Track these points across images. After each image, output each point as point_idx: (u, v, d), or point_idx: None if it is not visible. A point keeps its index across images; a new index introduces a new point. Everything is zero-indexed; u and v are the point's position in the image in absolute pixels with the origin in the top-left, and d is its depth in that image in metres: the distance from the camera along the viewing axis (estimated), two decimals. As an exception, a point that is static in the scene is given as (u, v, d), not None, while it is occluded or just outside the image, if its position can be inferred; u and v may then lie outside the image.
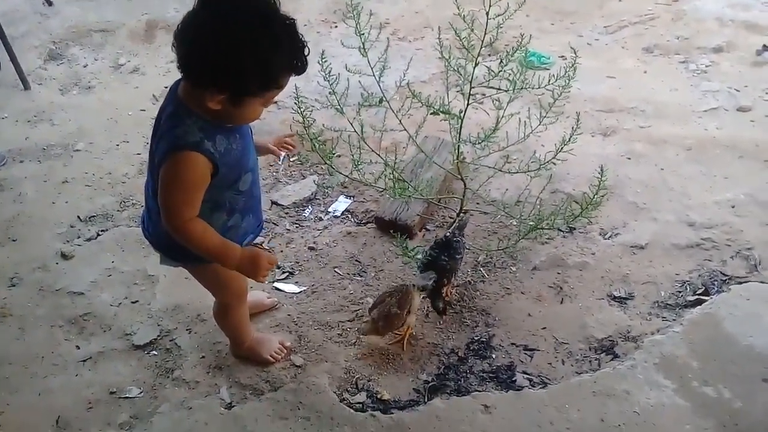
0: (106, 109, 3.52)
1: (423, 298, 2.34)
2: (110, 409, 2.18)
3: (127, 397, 2.21)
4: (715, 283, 2.48)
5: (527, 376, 2.22)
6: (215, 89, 1.60)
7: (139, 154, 3.21)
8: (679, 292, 2.47)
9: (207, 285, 2.11)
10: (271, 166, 3.13)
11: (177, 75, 1.67)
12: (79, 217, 2.90)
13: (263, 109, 1.71)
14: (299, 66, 1.63)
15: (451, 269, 2.34)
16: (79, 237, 2.80)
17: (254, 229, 1.98)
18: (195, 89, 1.64)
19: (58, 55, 3.95)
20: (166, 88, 3.46)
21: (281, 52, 1.58)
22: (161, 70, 3.67)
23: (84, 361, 2.33)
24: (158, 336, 2.40)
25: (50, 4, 4.27)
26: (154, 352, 2.36)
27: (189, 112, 1.67)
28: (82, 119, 3.46)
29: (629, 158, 3.05)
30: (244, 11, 1.55)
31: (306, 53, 1.62)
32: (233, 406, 2.16)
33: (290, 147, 2.20)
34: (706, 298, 2.41)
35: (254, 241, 2.02)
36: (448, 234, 2.40)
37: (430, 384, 2.21)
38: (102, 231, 2.83)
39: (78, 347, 2.38)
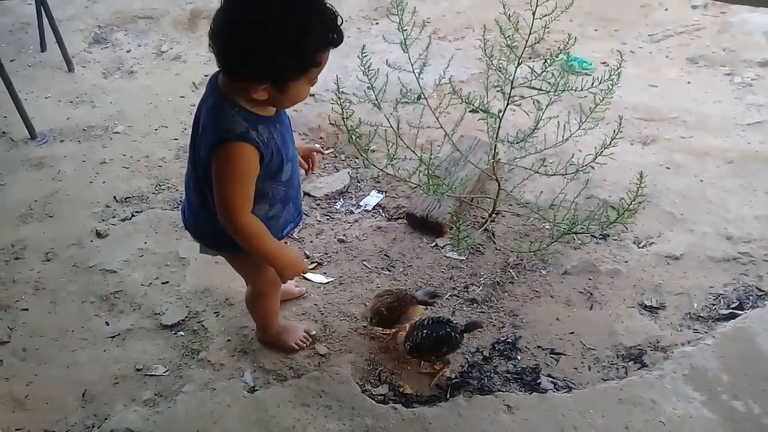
0: (147, 94, 3.57)
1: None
2: (135, 386, 2.20)
3: (152, 375, 2.24)
4: (750, 297, 2.43)
5: (552, 379, 2.20)
6: (256, 80, 1.60)
7: (176, 139, 3.25)
8: (713, 305, 2.42)
9: (243, 272, 2.13)
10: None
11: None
12: (115, 197, 2.94)
13: (310, 87, 1.70)
14: (335, 39, 1.60)
15: (426, 349, 2.14)
16: (114, 217, 2.85)
17: (294, 218, 1.99)
18: (236, 82, 1.65)
19: (102, 39, 4.01)
20: (206, 76, 3.52)
21: (312, 31, 1.56)
22: (202, 59, 3.72)
23: (113, 337, 2.36)
24: (186, 317, 2.42)
25: (98, -11, 4.35)
26: (182, 332, 2.38)
27: (232, 103, 1.67)
28: (122, 103, 3.51)
29: (668, 168, 3.01)
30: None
31: (339, 23, 1.60)
32: (256, 390, 2.17)
33: (313, 167, 2.15)
34: (740, 312, 2.36)
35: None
36: (453, 322, 2.18)
37: (453, 381, 2.19)
38: (137, 212, 2.86)
39: (107, 323, 2.41)
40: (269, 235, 1.82)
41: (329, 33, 1.59)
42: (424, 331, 2.15)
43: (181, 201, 2.88)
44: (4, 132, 3.31)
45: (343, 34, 1.62)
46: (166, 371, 2.25)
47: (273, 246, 1.84)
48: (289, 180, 1.86)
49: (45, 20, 3.69)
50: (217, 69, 1.73)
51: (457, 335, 2.15)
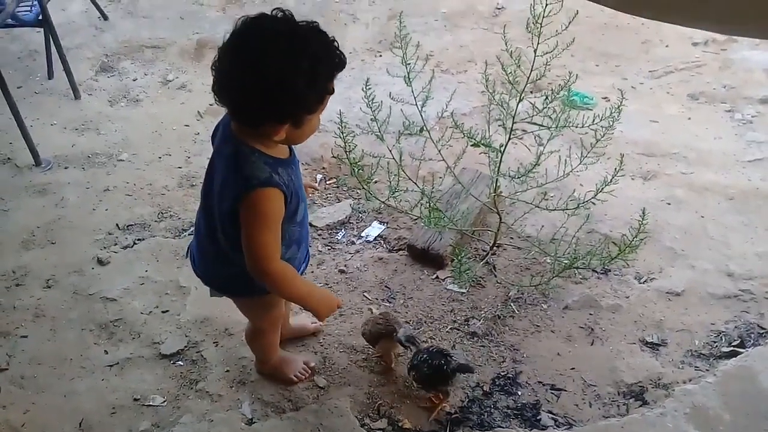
0: (152, 123, 3.60)
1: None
2: (133, 416, 2.19)
3: (150, 405, 2.22)
4: (752, 335, 2.42)
5: (552, 416, 2.18)
6: (276, 123, 1.61)
7: (180, 167, 3.27)
8: (714, 342, 2.41)
9: (248, 313, 2.13)
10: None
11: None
12: (117, 225, 2.95)
13: (320, 116, 1.72)
14: (341, 62, 1.62)
15: (419, 374, 2.15)
16: (115, 244, 2.85)
17: (305, 258, 2.00)
18: (254, 129, 1.65)
19: (109, 67, 4.05)
20: (211, 105, 3.57)
21: (320, 59, 1.58)
22: (208, 88, 3.66)
23: (111, 366, 2.36)
24: (185, 347, 2.41)
25: (105, 18, 4.40)
26: (180, 362, 2.37)
27: (251, 150, 1.67)
28: (127, 130, 3.54)
29: (669, 204, 3.02)
30: (273, 41, 1.54)
31: (337, 45, 1.62)
32: (254, 422, 2.15)
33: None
34: (741, 350, 2.35)
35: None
36: (450, 357, 2.14)
37: (453, 416, 2.18)
38: (138, 240, 2.87)
39: (106, 352, 2.41)
40: (299, 277, 1.83)
41: (335, 57, 1.61)
42: (424, 356, 2.16)
43: (183, 230, 2.90)
44: (9, 158, 3.33)
45: (345, 58, 1.64)
46: (164, 401, 2.24)
47: (304, 287, 1.85)
48: (302, 220, 1.87)
49: (53, 48, 3.73)
50: (224, 117, 1.76)
51: (449, 370, 2.12)
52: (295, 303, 1.89)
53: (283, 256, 1.82)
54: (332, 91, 1.64)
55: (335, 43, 1.61)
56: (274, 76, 1.54)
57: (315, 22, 1.61)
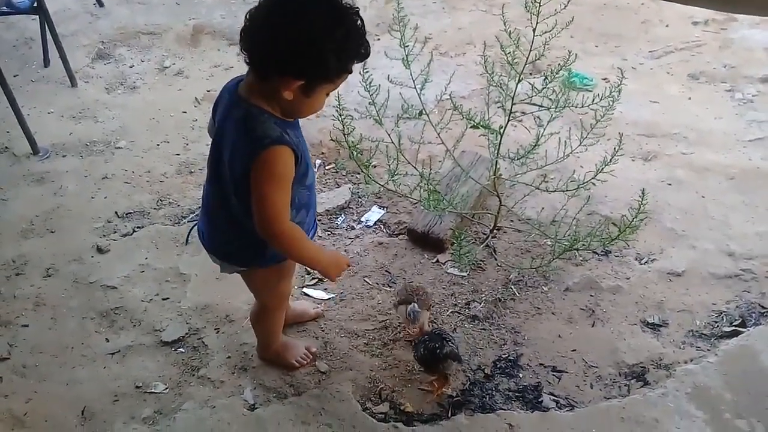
0: (149, 110, 3.58)
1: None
2: (135, 403, 2.20)
3: (152, 392, 2.23)
4: (753, 315, 2.41)
5: (554, 397, 2.18)
6: (292, 76, 1.62)
7: (178, 154, 3.26)
8: (715, 322, 2.41)
9: (255, 287, 2.13)
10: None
11: (220, 80, 1.69)
12: (116, 212, 2.94)
13: (326, 99, 1.74)
14: (365, 51, 1.68)
15: (418, 351, 2.18)
16: (115, 232, 2.85)
17: (313, 223, 2.01)
18: (267, 82, 1.66)
19: (105, 54, 4.03)
20: (208, 91, 3.55)
21: (353, 39, 1.63)
22: (205, 74, 3.73)
23: (112, 354, 2.36)
24: (186, 334, 2.41)
25: (101, 5, 4.37)
26: (182, 349, 2.37)
27: (260, 111, 1.69)
28: (125, 118, 3.52)
29: (670, 184, 3.01)
30: (316, 3, 1.61)
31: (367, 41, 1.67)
32: (256, 408, 2.16)
33: None
34: (742, 329, 2.35)
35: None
36: (447, 341, 2.15)
37: (455, 399, 2.18)
38: (138, 227, 2.86)
39: (107, 340, 2.41)
40: (307, 238, 1.84)
41: (363, 44, 1.67)
42: (426, 336, 2.18)
43: (182, 217, 2.89)
44: (6, 147, 3.32)
45: (370, 51, 1.69)
46: (166, 388, 2.24)
47: (313, 248, 1.88)
48: (311, 185, 1.90)
49: (49, 36, 3.71)
50: (227, 86, 1.76)
51: (441, 355, 2.11)
52: (305, 264, 1.92)
53: (293, 219, 1.83)
54: (351, 71, 1.68)
55: (365, 35, 1.66)
56: (307, 33, 1.58)
57: (357, 7, 1.66)
